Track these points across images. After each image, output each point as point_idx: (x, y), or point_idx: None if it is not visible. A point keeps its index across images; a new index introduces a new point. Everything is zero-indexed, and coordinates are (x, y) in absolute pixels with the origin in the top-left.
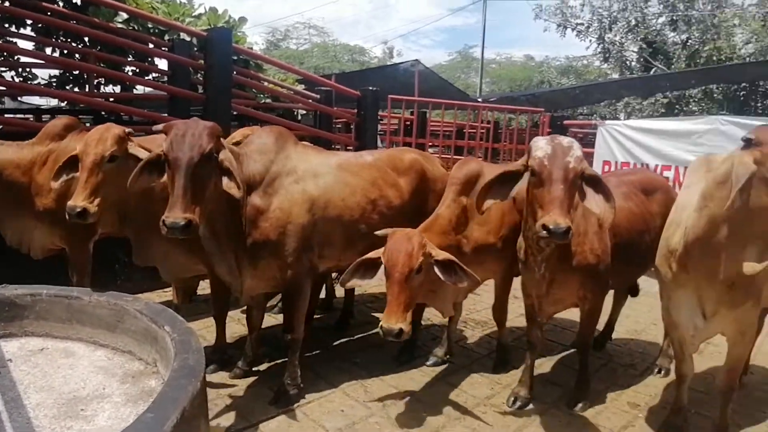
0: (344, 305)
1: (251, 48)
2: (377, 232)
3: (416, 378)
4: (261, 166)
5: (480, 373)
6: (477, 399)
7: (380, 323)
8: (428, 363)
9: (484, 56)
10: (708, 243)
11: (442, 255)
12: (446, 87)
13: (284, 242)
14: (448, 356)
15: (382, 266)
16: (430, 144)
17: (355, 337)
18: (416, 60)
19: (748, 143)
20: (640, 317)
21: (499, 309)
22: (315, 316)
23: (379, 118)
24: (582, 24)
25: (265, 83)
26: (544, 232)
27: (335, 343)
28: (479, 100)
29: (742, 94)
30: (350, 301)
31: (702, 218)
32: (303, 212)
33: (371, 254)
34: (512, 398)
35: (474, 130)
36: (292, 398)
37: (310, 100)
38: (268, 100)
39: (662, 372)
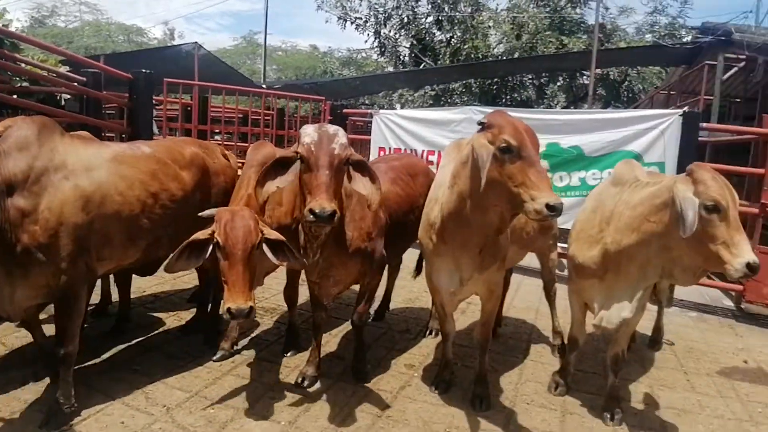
0: (119, 309)
1: (7, 26)
2: (202, 213)
3: (203, 376)
4: (23, 164)
5: (270, 360)
6: (267, 386)
7: (226, 306)
8: (215, 358)
9: (271, 43)
10: (459, 215)
11: (273, 234)
12: (230, 72)
13: (57, 246)
14: (235, 347)
15: (210, 247)
16: (213, 130)
17: (134, 342)
18: (196, 43)
19: (483, 126)
20: (414, 287)
21: (290, 289)
22: (85, 324)
23: (155, 103)
24: (360, 18)
25: (22, 65)
26: (311, 216)
27: (112, 352)
28: (263, 86)
29: (494, 88)
30: (126, 304)
31: (453, 194)
32: (76, 211)
33: (198, 235)
34: (300, 378)
35: (258, 117)
36: (66, 418)
37: (76, 84)
38: (26, 84)
39: (433, 333)
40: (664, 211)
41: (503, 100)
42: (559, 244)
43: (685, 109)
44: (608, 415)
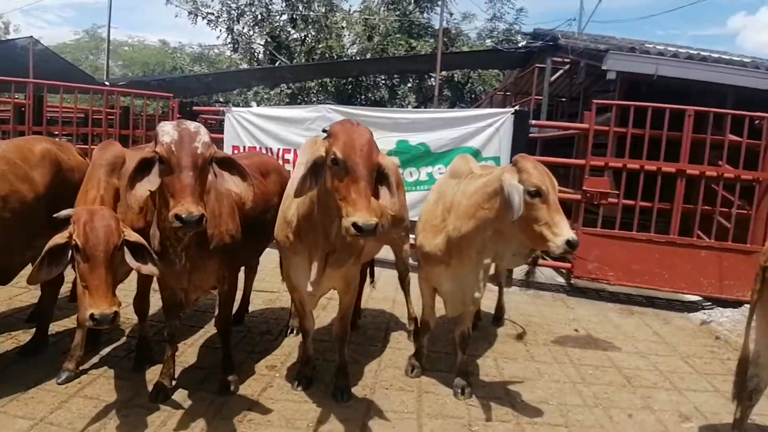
0: None
1: None
2: (57, 215)
3: (47, 401)
4: None
5: (121, 377)
6: (119, 404)
7: (88, 312)
8: (59, 380)
9: (116, 38)
10: (311, 215)
11: (134, 236)
12: (69, 69)
13: None
14: (81, 367)
15: (70, 250)
16: (50, 132)
17: None
18: (31, 37)
19: (327, 134)
20: (274, 287)
21: (141, 299)
22: None
23: None
24: (212, 14)
25: None
26: (178, 222)
27: None
28: (106, 83)
29: (349, 87)
30: None
31: (306, 198)
32: None
33: (56, 239)
34: (155, 392)
35: (101, 117)
36: None
37: None
38: None
39: (294, 332)
40: (495, 199)
41: (358, 100)
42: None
43: (517, 107)
44: (459, 390)
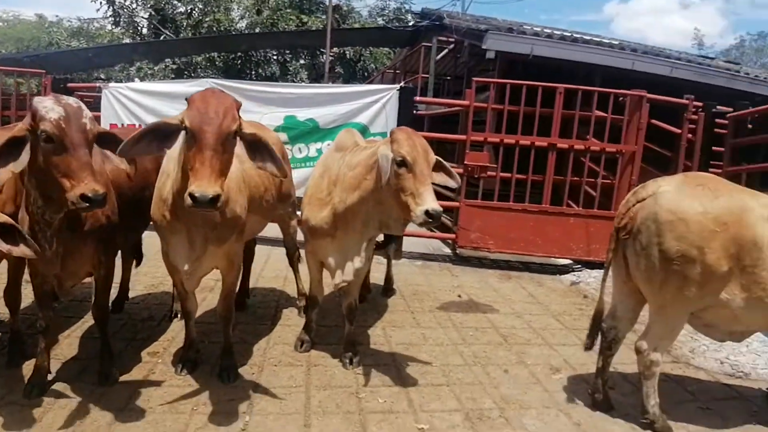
0: None
1: None
2: None
3: None
4: None
5: None
6: None
7: (188, 192)
8: None
9: None
10: (183, 191)
11: (2, 218)
12: None
13: None
14: None
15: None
16: None
17: None
18: None
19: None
20: (157, 272)
21: (12, 290)
22: None
23: None
24: None
25: None
26: (84, 202)
27: None
28: None
29: (239, 62)
30: None
31: (179, 169)
32: None
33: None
34: (29, 388)
35: None
36: None
37: None
38: None
39: (178, 316)
40: (375, 169)
41: (248, 75)
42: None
43: (402, 84)
44: (347, 361)
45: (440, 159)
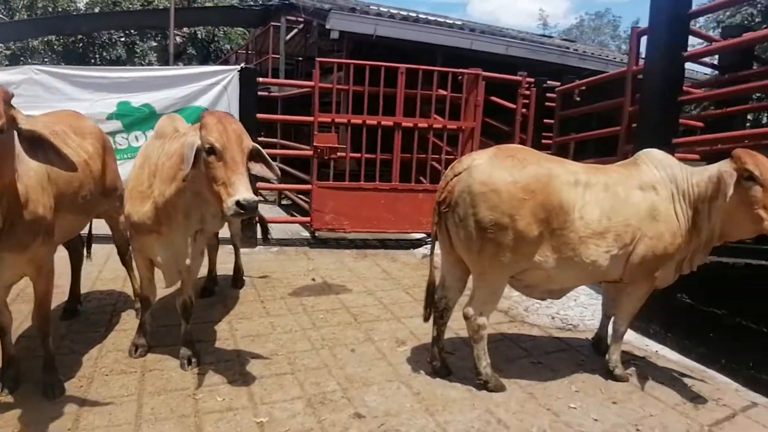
0: None
1: None
2: None
3: None
4: None
5: None
6: None
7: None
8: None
9: None
10: None
11: None
12: None
13: None
14: None
15: None
16: None
17: None
18: None
19: None
20: None
21: None
22: None
23: None
24: None
25: None
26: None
27: None
28: None
29: (81, 46)
30: None
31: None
32: None
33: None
34: None
35: None
36: None
37: None
38: None
39: None
40: None
41: (92, 59)
42: None
43: (243, 65)
44: (185, 361)
45: (259, 148)
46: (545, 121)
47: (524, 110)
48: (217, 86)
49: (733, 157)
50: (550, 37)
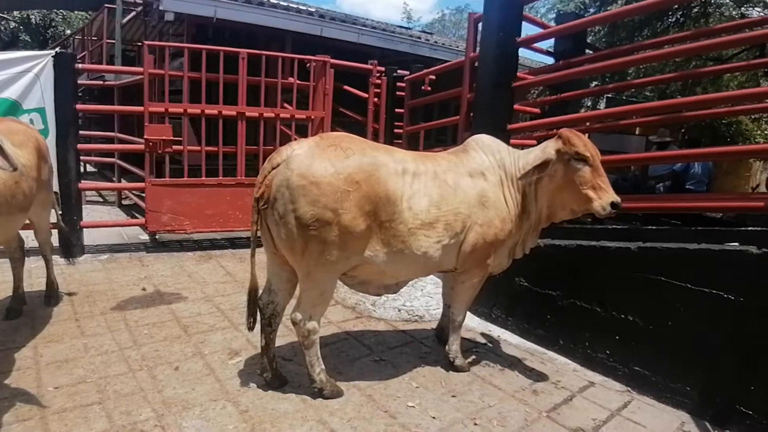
0: None
1: None
2: None
3: None
4: None
5: None
6: None
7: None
8: None
9: None
10: None
11: None
12: None
13: None
14: None
15: None
16: None
17: None
18: None
19: None
20: None
21: None
22: None
23: None
24: None
25: None
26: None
27: None
28: None
29: None
30: None
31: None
32: None
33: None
34: None
35: None
36: None
37: None
38: None
39: None
40: None
41: None
42: None
43: (57, 50)
44: None
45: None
46: (397, 110)
47: (376, 99)
48: (28, 74)
49: (561, 137)
50: (409, 29)
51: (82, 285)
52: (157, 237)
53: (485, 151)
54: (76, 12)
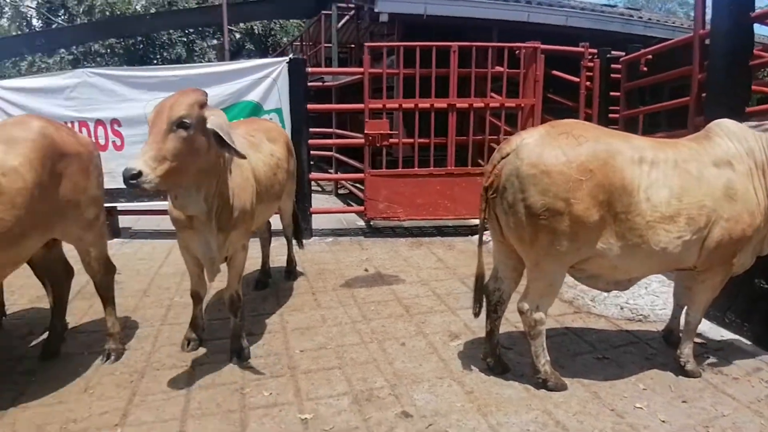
0: None
1: None
2: None
3: None
4: None
5: None
6: None
7: None
8: None
9: None
10: None
11: None
12: None
13: None
14: None
15: None
16: None
17: None
18: None
19: None
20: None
21: None
22: None
23: None
24: None
25: None
26: None
27: None
28: None
29: (141, 47)
30: None
31: None
32: None
33: None
34: None
35: None
36: None
37: None
38: None
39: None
40: None
41: (152, 60)
42: None
43: (291, 56)
44: (234, 355)
45: None
46: (611, 94)
47: (588, 83)
48: (266, 79)
49: None
50: (613, 6)
51: (314, 264)
52: (371, 223)
53: (731, 137)
54: (291, 21)
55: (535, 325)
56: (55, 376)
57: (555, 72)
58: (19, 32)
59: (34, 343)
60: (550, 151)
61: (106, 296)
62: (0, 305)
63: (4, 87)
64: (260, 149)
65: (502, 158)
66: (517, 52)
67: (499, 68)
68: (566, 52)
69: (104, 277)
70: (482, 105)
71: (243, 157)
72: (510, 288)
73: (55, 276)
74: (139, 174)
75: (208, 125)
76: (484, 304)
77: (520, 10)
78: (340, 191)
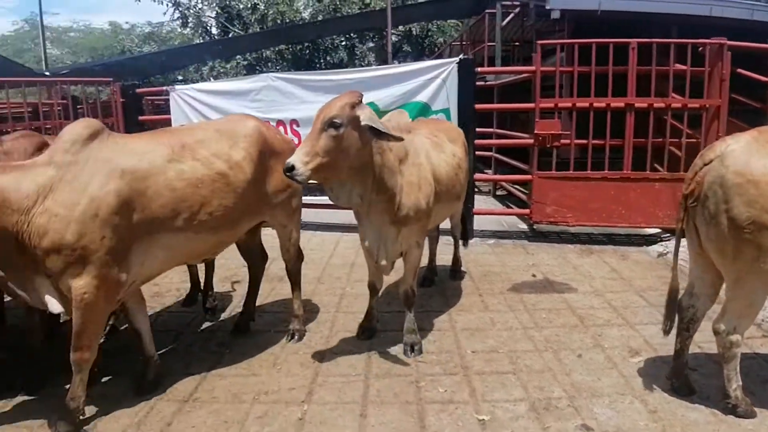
0: None
1: None
2: None
3: None
4: None
5: None
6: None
7: None
8: None
9: (61, 24)
10: None
11: None
12: (3, 63)
13: None
14: None
15: None
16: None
17: None
18: None
19: None
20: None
21: None
22: None
23: None
24: None
25: None
26: None
27: None
28: (47, 74)
29: (307, 53)
30: None
31: None
32: None
33: None
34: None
35: (47, 109)
36: None
37: None
38: None
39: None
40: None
41: (317, 64)
42: None
43: (461, 56)
44: (408, 348)
45: None
46: None
47: None
48: (436, 80)
49: None
50: None
51: (478, 265)
52: (535, 227)
53: None
54: (449, 21)
55: (731, 347)
56: (246, 351)
57: (740, 70)
58: (201, 40)
59: (223, 317)
60: (758, 160)
61: (295, 280)
62: (202, 285)
63: (199, 89)
64: (443, 149)
65: (705, 165)
66: (700, 48)
67: (681, 66)
68: (753, 48)
69: (296, 263)
70: (663, 105)
71: (400, 139)
72: (705, 306)
73: (254, 258)
74: (293, 168)
75: (362, 122)
76: (676, 321)
77: (702, 4)
78: (498, 192)
